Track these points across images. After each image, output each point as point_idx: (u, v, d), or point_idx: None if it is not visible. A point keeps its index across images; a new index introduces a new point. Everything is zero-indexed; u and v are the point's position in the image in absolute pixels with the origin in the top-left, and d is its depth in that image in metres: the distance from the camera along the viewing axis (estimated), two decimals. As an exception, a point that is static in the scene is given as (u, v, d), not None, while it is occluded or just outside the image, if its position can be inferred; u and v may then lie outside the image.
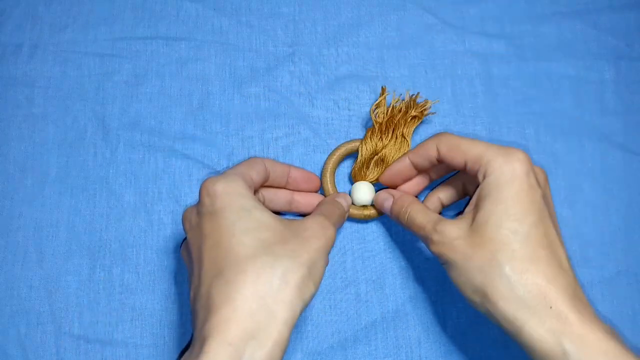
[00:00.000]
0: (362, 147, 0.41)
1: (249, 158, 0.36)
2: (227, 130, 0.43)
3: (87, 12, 0.46)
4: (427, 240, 0.34)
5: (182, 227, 0.34)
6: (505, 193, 0.30)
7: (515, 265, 0.29)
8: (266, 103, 0.44)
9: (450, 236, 0.32)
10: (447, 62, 0.46)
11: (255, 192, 0.36)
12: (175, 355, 0.39)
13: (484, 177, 0.32)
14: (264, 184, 0.37)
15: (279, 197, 0.39)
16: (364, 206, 0.40)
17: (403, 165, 0.38)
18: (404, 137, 0.41)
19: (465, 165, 0.34)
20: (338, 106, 0.45)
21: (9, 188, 0.42)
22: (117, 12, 0.46)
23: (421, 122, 0.43)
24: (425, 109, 0.41)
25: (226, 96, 0.44)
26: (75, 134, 0.43)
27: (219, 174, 0.34)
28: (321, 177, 0.41)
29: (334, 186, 0.41)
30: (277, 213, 0.38)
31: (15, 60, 0.44)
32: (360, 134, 0.44)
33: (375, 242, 0.42)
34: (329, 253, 0.32)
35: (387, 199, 0.39)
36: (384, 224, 0.42)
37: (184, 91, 0.44)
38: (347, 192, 0.42)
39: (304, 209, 0.40)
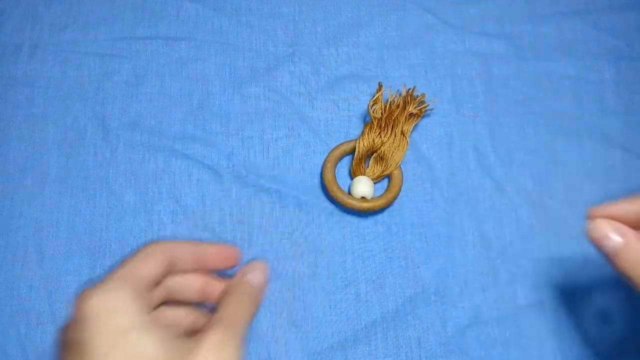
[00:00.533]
0: (359, 142, 0.41)
1: (145, 246, 0.30)
2: (227, 130, 0.43)
3: (87, 12, 0.46)
4: None
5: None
6: None
7: None
8: (266, 103, 0.44)
9: None
10: (447, 62, 0.46)
11: (157, 285, 0.30)
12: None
13: None
14: (172, 272, 0.30)
15: (188, 286, 0.32)
16: (363, 198, 0.41)
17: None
18: (403, 135, 0.41)
19: None
20: (338, 106, 0.45)
21: (9, 188, 0.42)
22: (117, 12, 0.46)
23: (420, 121, 0.43)
24: (423, 107, 0.42)
25: (226, 96, 0.44)
26: (75, 134, 0.43)
27: (101, 279, 0.28)
28: (322, 177, 0.41)
29: (337, 184, 0.41)
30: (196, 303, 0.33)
31: (15, 60, 0.44)
32: (360, 134, 0.44)
33: (375, 242, 0.42)
34: None
35: (611, 237, 0.28)
36: (384, 223, 0.42)
37: (184, 91, 0.44)
38: (347, 187, 0.42)
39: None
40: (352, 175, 0.42)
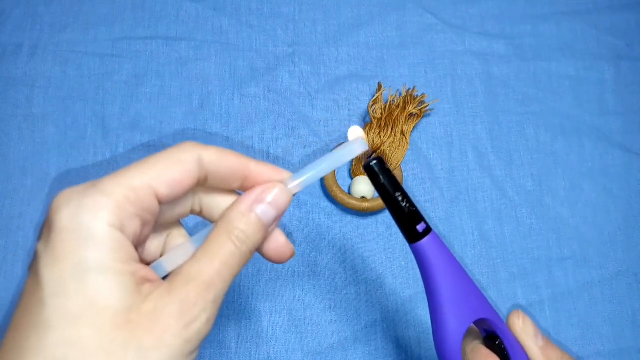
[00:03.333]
0: None
1: (180, 144, 0.22)
2: (227, 130, 0.43)
3: (87, 12, 0.46)
4: None
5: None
6: None
7: None
8: (266, 103, 0.44)
9: None
10: (447, 62, 0.46)
11: (175, 201, 0.23)
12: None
13: None
14: (202, 185, 0.23)
15: (217, 208, 0.24)
16: (363, 198, 0.41)
17: None
18: (403, 135, 0.41)
19: None
20: (338, 106, 0.44)
21: (9, 188, 0.42)
22: (117, 12, 0.46)
23: (420, 121, 0.43)
24: (423, 107, 0.42)
25: (226, 96, 0.44)
26: (75, 134, 0.43)
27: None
28: (322, 177, 0.41)
29: (337, 184, 0.41)
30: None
31: (15, 60, 0.44)
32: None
33: (375, 242, 0.42)
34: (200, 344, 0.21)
35: None
36: (384, 223, 0.42)
37: (184, 91, 0.44)
38: (347, 187, 0.42)
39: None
40: (352, 175, 0.42)
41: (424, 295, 0.41)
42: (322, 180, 0.42)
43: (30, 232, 0.41)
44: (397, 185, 0.25)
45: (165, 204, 0.22)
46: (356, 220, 0.42)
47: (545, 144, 0.44)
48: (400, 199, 0.25)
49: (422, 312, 0.40)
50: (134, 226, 0.21)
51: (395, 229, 0.42)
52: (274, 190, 0.24)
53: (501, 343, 0.27)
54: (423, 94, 0.42)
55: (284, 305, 0.39)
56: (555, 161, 0.44)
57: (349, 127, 0.44)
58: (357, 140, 0.25)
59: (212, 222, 0.25)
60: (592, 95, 0.46)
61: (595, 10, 0.48)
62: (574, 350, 0.40)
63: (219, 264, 0.21)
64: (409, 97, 0.42)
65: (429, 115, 0.44)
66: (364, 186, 0.40)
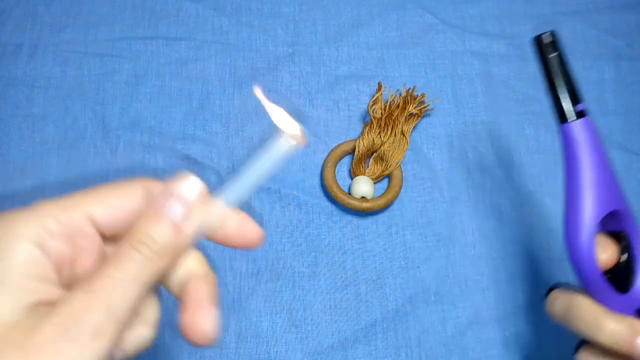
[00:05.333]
0: (359, 142, 0.41)
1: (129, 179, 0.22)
2: (227, 130, 0.43)
3: (87, 12, 0.46)
4: None
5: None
6: None
7: None
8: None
9: None
10: (447, 62, 0.46)
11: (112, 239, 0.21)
12: (176, 356, 0.39)
13: None
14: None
15: None
16: (363, 198, 0.41)
17: None
18: (403, 135, 0.41)
19: None
20: (338, 106, 0.45)
21: (9, 188, 0.42)
22: (117, 12, 0.46)
23: (420, 121, 0.43)
24: (423, 107, 0.42)
25: (226, 96, 0.44)
26: (75, 134, 0.43)
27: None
28: (322, 177, 0.41)
29: (337, 184, 0.41)
30: None
31: (15, 60, 0.44)
32: (360, 134, 0.44)
33: (375, 242, 0.42)
34: None
35: None
36: (384, 223, 0.42)
37: (184, 91, 0.44)
38: (347, 187, 0.42)
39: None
40: (352, 175, 0.42)
41: (424, 296, 0.41)
42: (322, 180, 0.42)
43: (30, 232, 0.41)
44: (566, 60, 0.24)
45: (106, 230, 0.21)
46: (356, 220, 0.42)
47: (545, 144, 0.44)
48: (569, 74, 0.25)
49: (422, 312, 0.40)
50: (59, 246, 0.19)
51: (396, 229, 0.42)
52: (181, 184, 0.21)
53: (627, 240, 0.26)
54: (423, 94, 0.42)
55: (284, 305, 0.39)
56: (555, 161, 0.44)
57: (349, 127, 0.44)
58: (283, 139, 0.21)
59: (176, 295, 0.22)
60: (592, 95, 0.46)
61: (595, 10, 0.48)
62: (573, 350, 0.40)
63: (113, 269, 0.19)
64: (409, 97, 0.42)
65: (429, 115, 0.44)
66: (364, 186, 0.40)
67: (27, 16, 0.45)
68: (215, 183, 0.42)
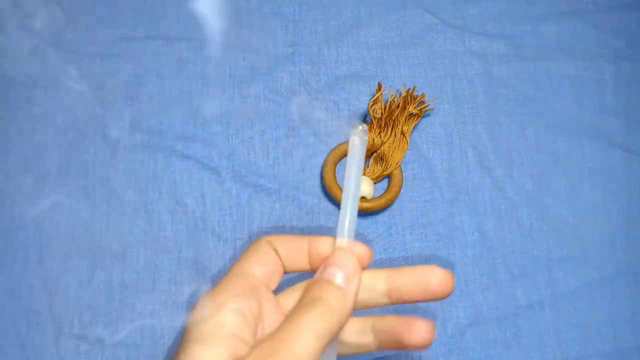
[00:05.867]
0: None
1: (256, 242, 0.27)
2: (227, 130, 0.43)
3: (87, 12, 0.46)
4: None
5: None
6: None
7: None
8: (266, 103, 0.44)
9: None
10: (447, 62, 0.46)
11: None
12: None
13: None
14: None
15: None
16: (363, 198, 0.41)
17: None
18: (403, 135, 0.41)
19: None
20: (338, 106, 0.45)
21: (9, 188, 0.42)
22: (118, 13, 0.46)
23: (420, 121, 0.43)
24: (423, 107, 0.42)
25: (226, 96, 0.44)
26: (75, 134, 0.43)
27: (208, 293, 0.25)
28: (322, 177, 0.41)
29: (337, 184, 0.41)
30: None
31: (15, 60, 0.44)
32: (360, 134, 0.44)
33: (375, 242, 0.42)
34: None
35: None
36: (384, 223, 0.42)
37: (184, 91, 0.44)
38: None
39: None
40: (352, 175, 0.42)
41: (424, 295, 0.41)
42: (322, 180, 0.42)
43: (31, 232, 0.41)
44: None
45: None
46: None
47: (545, 144, 0.44)
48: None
49: (423, 312, 0.40)
50: (251, 307, 0.24)
51: (396, 229, 0.42)
52: (339, 258, 0.27)
53: None
54: (423, 94, 0.42)
55: (284, 305, 0.39)
56: (555, 161, 0.44)
57: (349, 127, 0.44)
58: (356, 140, 0.26)
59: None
60: (592, 95, 0.46)
61: (595, 10, 0.48)
62: (573, 350, 0.40)
63: (295, 323, 0.22)
64: (409, 97, 0.42)
65: (429, 115, 0.44)
66: (363, 186, 0.40)
67: (27, 16, 0.45)
68: (214, 183, 0.42)
